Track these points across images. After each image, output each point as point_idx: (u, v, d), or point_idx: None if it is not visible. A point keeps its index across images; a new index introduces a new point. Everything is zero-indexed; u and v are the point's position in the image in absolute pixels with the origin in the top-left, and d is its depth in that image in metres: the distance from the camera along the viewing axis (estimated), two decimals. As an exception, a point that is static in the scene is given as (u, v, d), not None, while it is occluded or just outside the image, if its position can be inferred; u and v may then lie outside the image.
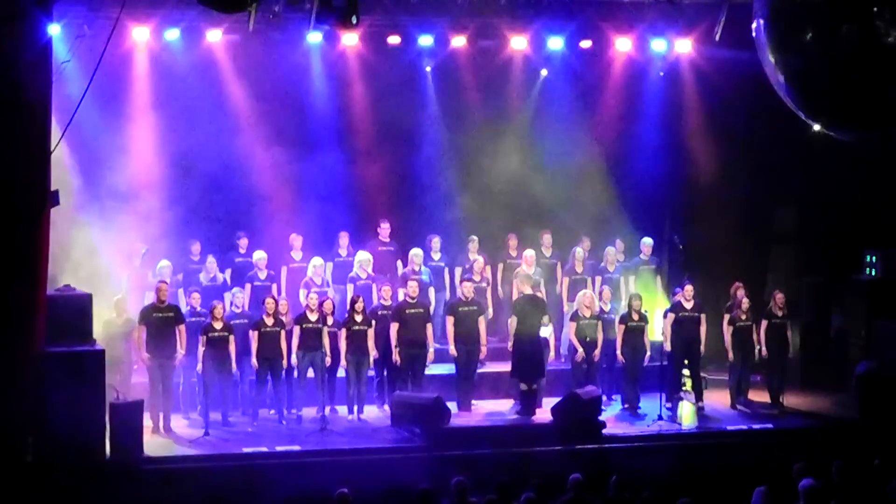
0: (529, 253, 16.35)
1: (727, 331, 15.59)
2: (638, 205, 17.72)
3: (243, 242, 16.37)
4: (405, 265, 16.40)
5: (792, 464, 10.89)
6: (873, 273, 16.78)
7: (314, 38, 16.20)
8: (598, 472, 11.83)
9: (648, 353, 15.70)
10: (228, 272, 16.21)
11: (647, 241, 17.01)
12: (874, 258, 16.77)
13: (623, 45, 17.21)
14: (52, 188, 12.49)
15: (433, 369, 15.49)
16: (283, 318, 14.81)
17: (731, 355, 15.58)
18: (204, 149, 16.31)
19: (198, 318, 14.69)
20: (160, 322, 14.33)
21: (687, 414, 14.96)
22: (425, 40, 16.82)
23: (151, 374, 14.29)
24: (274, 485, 12.81)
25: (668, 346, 15.48)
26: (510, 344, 15.14)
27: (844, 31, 9.01)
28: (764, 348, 15.64)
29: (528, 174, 17.81)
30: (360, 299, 15.02)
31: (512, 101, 17.83)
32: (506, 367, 15.26)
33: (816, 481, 10.08)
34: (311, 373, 14.80)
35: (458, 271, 16.65)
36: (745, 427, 14.91)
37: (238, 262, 16.28)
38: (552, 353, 15.99)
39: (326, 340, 14.71)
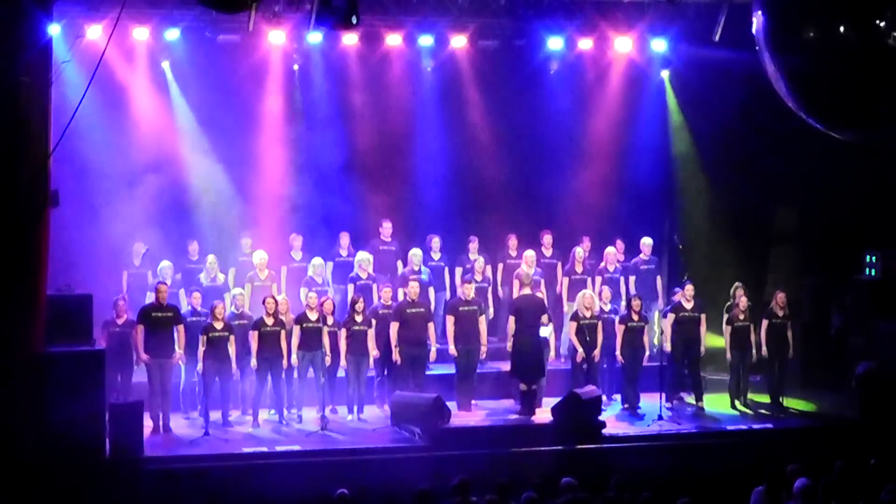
0: (529, 253, 16.31)
1: (726, 331, 15.60)
2: (638, 205, 17.71)
3: (246, 242, 16.37)
4: (405, 265, 16.40)
5: (791, 464, 10.89)
6: (873, 273, 16.76)
7: (314, 38, 16.20)
8: (598, 472, 11.80)
9: (648, 353, 15.71)
10: (232, 272, 16.22)
11: (647, 241, 16.99)
12: (874, 258, 16.74)
13: (623, 45, 17.20)
14: (52, 188, 12.51)
15: (433, 369, 15.50)
16: (283, 318, 14.80)
17: (729, 355, 15.59)
18: (204, 148, 16.30)
19: (198, 317, 14.70)
20: (159, 322, 14.32)
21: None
22: (425, 40, 16.83)
23: (151, 374, 14.28)
24: (274, 485, 12.80)
25: (668, 346, 15.50)
26: (509, 344, 15.12)
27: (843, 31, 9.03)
28: (764, 348, 15.65)
29: (528, 174, 17.83)
30: (361, 299, 15.03)
31: (512, 100, 17.82)
32: (506, 367, 15.25)
33: (812, 481, 10.08)
34: (311, 373, 14.80)
35: (458, 271, 16.65)
36: (744, 427, 14.90)
37: (241, 261, 16.28)
38: (552, 353, 15.97)
39: (326, 340, 14.71)
